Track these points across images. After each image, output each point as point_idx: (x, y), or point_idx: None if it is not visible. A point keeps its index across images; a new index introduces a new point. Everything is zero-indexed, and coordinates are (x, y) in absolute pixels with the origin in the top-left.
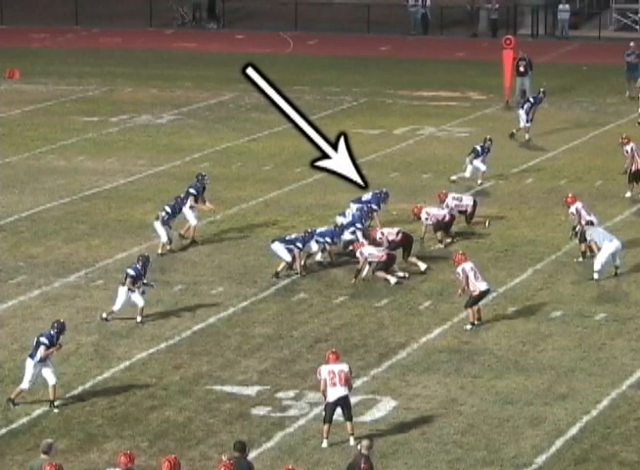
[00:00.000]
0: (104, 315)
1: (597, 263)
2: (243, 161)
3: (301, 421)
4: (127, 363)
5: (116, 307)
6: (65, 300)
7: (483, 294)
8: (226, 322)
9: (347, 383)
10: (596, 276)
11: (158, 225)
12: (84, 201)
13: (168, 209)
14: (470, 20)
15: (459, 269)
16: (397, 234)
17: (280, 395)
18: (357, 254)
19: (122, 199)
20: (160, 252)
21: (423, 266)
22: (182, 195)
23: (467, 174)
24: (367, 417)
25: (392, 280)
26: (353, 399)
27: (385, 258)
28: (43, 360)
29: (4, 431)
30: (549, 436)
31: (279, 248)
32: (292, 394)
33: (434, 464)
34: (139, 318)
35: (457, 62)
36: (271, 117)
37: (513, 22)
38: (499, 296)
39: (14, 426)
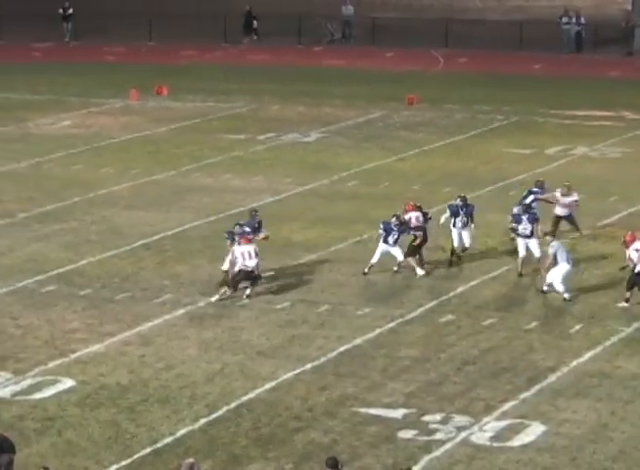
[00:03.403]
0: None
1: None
2: (391, 180)
3: (448, 445)
4: (273, 384)
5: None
6: (210, 319)
7: None
8: (372, 344)
9: None
10: (545, 288)
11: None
12: (230, 219)
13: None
14: (624, 37)
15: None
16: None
17: (426, 418)
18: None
19: (269, 217)
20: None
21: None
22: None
23: None
24: (515, 442)
25: (420, 272)
26: (501, 423)
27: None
28: None
29: (148, 450)
30: None
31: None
32: (438, 417)
33: None
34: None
35: (611, 80)
36: (420, 135)
37: None
38: None
39: (158, 445)
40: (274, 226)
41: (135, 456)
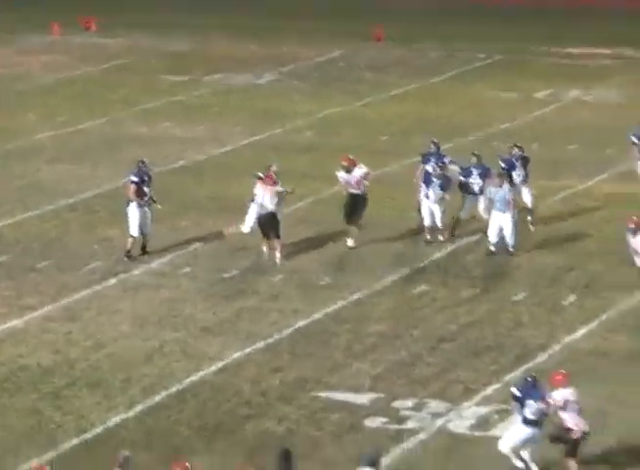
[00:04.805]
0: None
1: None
2: (355, 129)
3: (422, 435)
4: (219, 365)
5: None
6: (146, 290)
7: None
8: (335, 318)
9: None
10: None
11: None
12: (170, 175)
13: None
14: None
15: (557, 395)
16: None
17: (397, 404)
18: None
19: (215, 172)
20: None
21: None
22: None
23: None
24: (499, 431)
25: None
26: (483, 409)
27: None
28: None
29: (76, 441)
30: None
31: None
32: (410, 403)
33: None
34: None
35: (614, 11)
36: (389, 77)
37: None
38: None
39: (87, 436)
40: (221, 182)
41: (60, 449)
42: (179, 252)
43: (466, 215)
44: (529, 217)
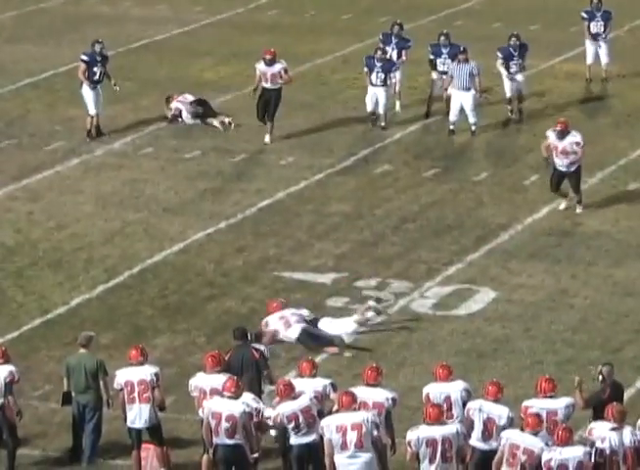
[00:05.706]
0: None
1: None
2: (317, 8)
3: (384, 315)
4: (181, 245)
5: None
6: (108, 170)
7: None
8: (297, 198)
9: None
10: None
11: None
12: (131, 54)
13: None
14: None
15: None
16: None
17: (359, 283)
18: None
19: (176, 52)
20: None
21: None
22: None
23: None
24: (462, 310)
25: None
26: (445, 289)
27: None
28: None
29: (38, 322)
30: None
31: None
32: (373, 282)
33: (539, 366)
34: None
35: None
36: None
37: None
38: (619, 169)
39: (50, 316)
40: (182, 63)
41: (23, 328)
42: (140, 132)
43: (438, 92)
44: (521, 105)
